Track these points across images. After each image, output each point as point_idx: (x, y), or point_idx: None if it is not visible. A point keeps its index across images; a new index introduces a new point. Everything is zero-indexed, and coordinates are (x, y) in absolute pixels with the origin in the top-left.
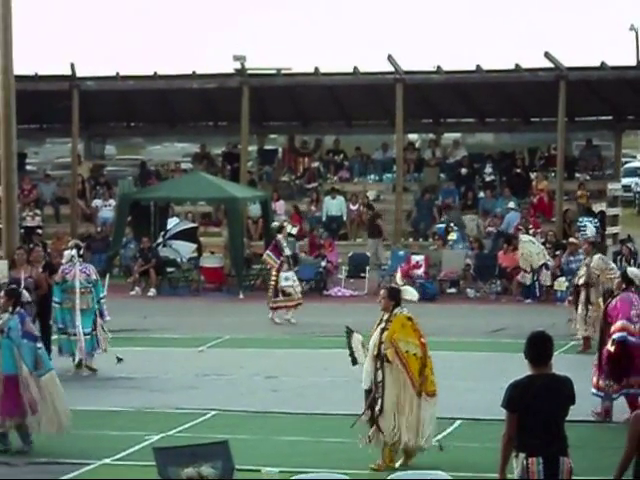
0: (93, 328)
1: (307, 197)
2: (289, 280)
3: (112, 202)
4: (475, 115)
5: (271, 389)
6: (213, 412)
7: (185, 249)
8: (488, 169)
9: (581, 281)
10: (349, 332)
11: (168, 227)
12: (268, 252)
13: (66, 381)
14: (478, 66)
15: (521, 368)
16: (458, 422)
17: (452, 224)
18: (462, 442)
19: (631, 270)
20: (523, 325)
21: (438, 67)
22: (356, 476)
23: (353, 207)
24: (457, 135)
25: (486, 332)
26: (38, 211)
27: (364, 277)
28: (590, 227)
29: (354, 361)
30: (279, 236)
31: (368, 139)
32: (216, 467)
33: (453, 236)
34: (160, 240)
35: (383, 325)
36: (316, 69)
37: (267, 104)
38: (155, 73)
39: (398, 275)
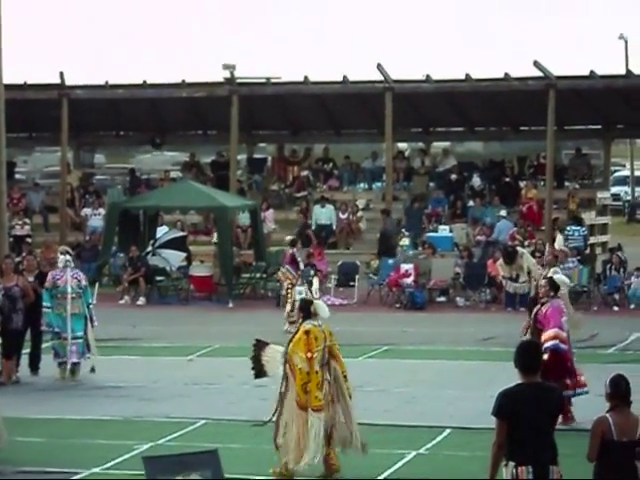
0: (84, 332)
1: (296, 206)
2: (302, 294)
3: (101, 211)
4: (464, 124)
5: (260, 398)
6: (202, 421)
7: (174, 258)
8: (477, 178)
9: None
10: (260, 345)
11: (157, 236)
12: (287, 266)
13: (55, 390)
14: (467, 75)
15: (511, 377)
16: (448, 430)
17: (403, 230)
18: (452, 451)
19: (558, 277)
20: (513, 334)
21: (427, 76)
22: None
23: (342, 216)
24: (446, 144)
25: (476, 341)
26: (27, 220)
27: (354, 286)
28: (560, 238)
29: (257, 374)
30: (294, 249)
31: (357, 148)
32: (205, 476)
33: (405, 242)
34: (149, 249)
35: (290, 336)
36: (305, 78)
37: (256, 113)
38: (144, 82)
39: (315, 287)
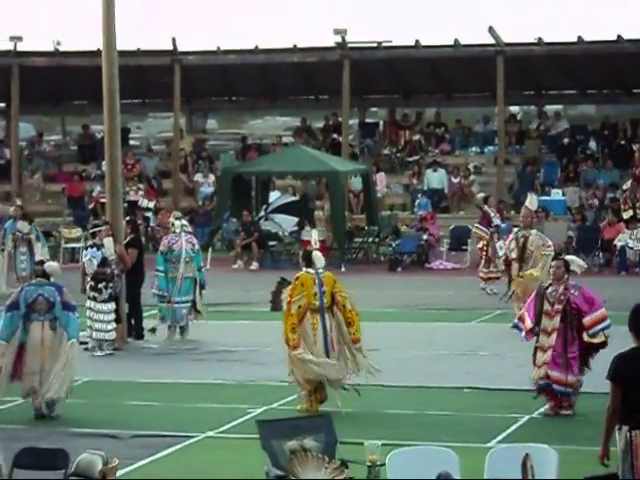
0: (193, 295)
1: (408, 170)
2: (502, 250)
3: (213, 177)
4: (577, 87)
5: (373, 362)
6: None
7: (287, 223)
8: (590, 141)
9: (513, 255)
10: (283, 282)
11: (270, 201)
12: (477, 224)
13: (168, 354)
14: (579, 37)
15: (624, 340)
16: None
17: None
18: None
19: (570, 257)
20: (626, 297)
21: (539, 39)
22: (458, 449)
23: (455, 180)
24: (559, 107)
25: None
26: (141, 185)
27: (466, 250)
28: (533, 198)
29: (273, 308)
30: (486, 207)
31: (469, 111)
32: (319, 440)
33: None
34: (262, 214)
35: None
36: (417, 42)
37: (368, 77)
38: (256, 47)
39: (314, 238)
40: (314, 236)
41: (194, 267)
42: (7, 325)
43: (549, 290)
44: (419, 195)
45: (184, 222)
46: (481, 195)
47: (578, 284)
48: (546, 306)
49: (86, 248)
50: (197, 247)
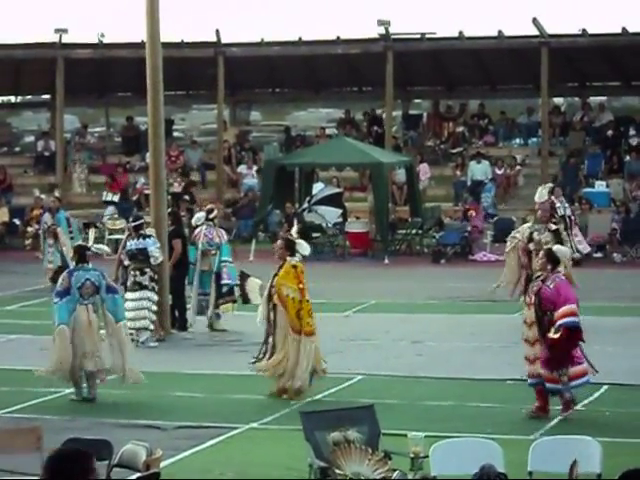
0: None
1: (452, 162)
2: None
3: (256, 168)
4: (621, 78)
5: (416, 354)
6: (359, 376)
7: (330, 214)
8: (634, 132)
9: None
10: (243, 276)
11: (313, 192)
12: None
13: (211, 346)
14: (624, 28)
15: None
16: (605, 387)
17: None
18: (609, 407)
19: (558, 248)
20: None
21: (583, 30)
22: (502, 441)
23: (499, 171)
24: (603, 98)
25: (633, 297)
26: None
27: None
28: (541, 191)
29: (245, 301)
30: (552, 198)
31: (513, 103)
32: (362, 431)
33: None
34: (305, 205)
35: (275, 271)
36: (460, 33)
37: (411, 69)
38: (299, 39)
39: (294, 229)
40: (294, 227)
41: (210, 260)
42: (66, 310)
43: (533, 282)
44: (485, 182)
45: (202, 214)
46: (550, 185)
47: (560, 278)
48: (527, 298)
49: (128, 239)
50: (216, 240)
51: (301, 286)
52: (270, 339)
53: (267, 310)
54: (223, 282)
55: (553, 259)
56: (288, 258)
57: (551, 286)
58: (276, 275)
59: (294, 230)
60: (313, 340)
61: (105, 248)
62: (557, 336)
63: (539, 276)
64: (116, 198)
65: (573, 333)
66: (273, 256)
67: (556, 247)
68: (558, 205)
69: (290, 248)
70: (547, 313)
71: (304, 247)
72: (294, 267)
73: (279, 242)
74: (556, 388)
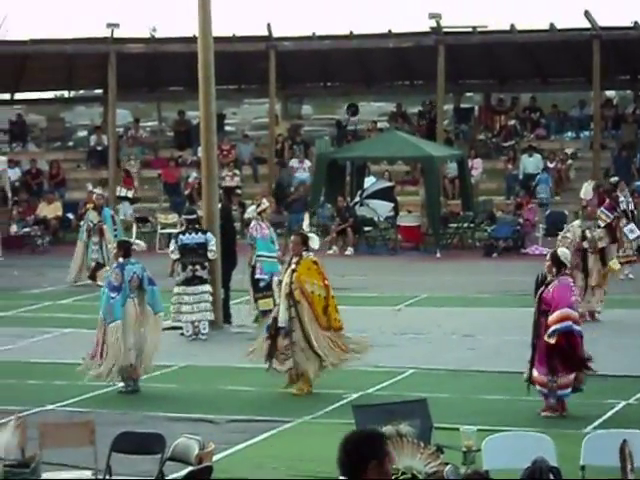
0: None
1: (504, 155)
2: (634, 232)
3: (307, 162)
4: None
5: (468, 347)
6: (411, 370)
7: (382, 208)
8: None
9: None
10: None
11: (365, 186)
12: (602, 209)
13: None
14: None
15: None
16: None
17: None
18: None
19: (562, 251)
20: None
21: (635, 22)
22: (553, 434)
23: (550, 165)
24: None
25: None
26: (237, 171)
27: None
28: (587, 187)
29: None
30: (617, 191)
31: (564, 96)
32: (414, 425)
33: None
34: (357, 199)
35: (293, 267)
36: (512, 26)
37: (463, 62)
38: (351, 32)
39: (305, 223)
40: (306, 221)
41: (252, 255)
42: (120, 305)
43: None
44: (538, 175)
45: (253, 208)
46: (615, 178)
47: (561, 280)
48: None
49: (183, 233)
50: (254, 235)
51: (327, 282)
52: (292, 336)
53: (288, 307)
54: (256, 277)
55: (558, 262)
56: (304, 253)
57: (551, 289)
58: (294, 271)
59: (305, 224)
60: (340, 335)
61: (142, 243)
62: (553, 342)
63: (549, 281)
64: (130, 194)
65: (569, 338)
66: (324, 250)
67: (560, 250)
68: (622, 199)
69: (305, 243)
70: (545, 315)
71: (315, 241)
72: (314, 263)
73: (294, 237)
74: (542, 392)
